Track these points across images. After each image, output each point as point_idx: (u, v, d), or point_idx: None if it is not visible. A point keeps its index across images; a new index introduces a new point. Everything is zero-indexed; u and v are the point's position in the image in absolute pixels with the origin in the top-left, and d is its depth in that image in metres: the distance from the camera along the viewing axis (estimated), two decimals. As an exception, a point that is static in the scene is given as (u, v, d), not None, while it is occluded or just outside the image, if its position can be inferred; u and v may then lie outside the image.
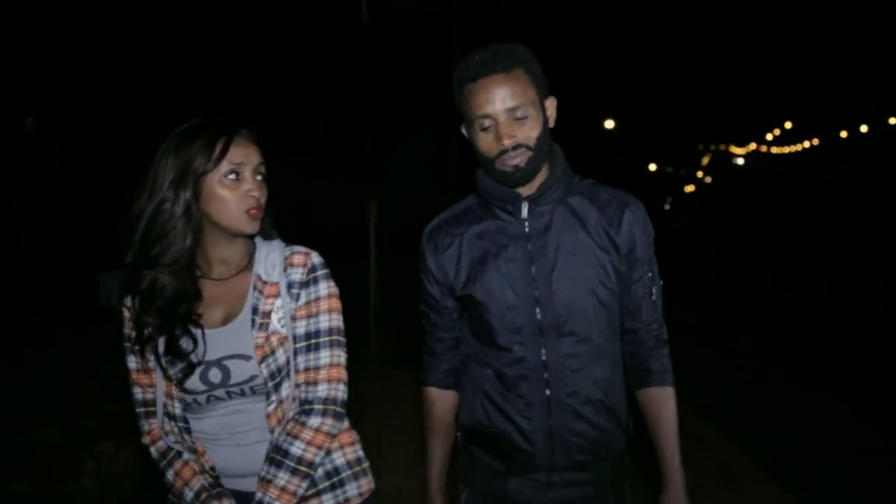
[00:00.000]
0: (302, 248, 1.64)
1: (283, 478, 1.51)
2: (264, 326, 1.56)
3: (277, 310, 1.57)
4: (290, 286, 1.59)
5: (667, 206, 41.82)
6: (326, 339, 1.59)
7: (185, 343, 1.53)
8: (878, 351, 7.10)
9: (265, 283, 1.59)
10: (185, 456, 1.58)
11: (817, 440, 4.76)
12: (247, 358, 1.54)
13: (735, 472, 4.29)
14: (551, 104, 1.69)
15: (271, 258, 1.61)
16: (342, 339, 1.62)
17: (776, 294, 11.23)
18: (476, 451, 1.80)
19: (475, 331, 1.76)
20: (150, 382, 1.59)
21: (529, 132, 1.61)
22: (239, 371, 1.54)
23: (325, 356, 1.58)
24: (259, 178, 1.56)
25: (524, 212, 1.68)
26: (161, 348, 1.54)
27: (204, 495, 1.53)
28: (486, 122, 1.61)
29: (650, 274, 1.72)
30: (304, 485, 1.53)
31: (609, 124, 31.37)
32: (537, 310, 1.66)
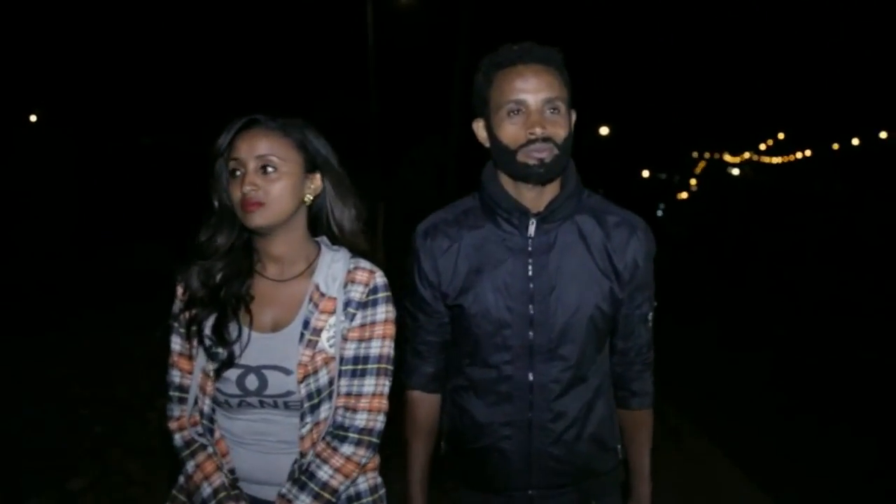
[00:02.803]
0: (367, 265, 1.56)
1: (303, 500, 1.46)
2: (312, 343, 1.49)
3: (329, 328, 1.50)
4: (347, 304, 1.52)
5: (659, 213, 42.11)
6: (375, 366, 1.52)
7: (231, 329, 1.49)
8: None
9: (323, 295, 1.52)
10: (210, 450, 1.53)
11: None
12: (287, 372, 1.47)
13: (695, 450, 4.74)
14: (573, 116, 1.61)
15: (334, 269, 1.54)
16: (390, 367, 1.55)
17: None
18: (459, 464, 1.74)
19: (461, 344, 1.66)
20: (190, 369, 1.55)
21: (559, 130, 1.52)
22: (277, 383, 1.48)
23: (369, 384, 1.51)
24: (270, 169, 1.48)
25: (531, 230, 1.59)
26: (207, 330, 1.51)
27: (222, 494, 1.48)
28: (517, 108, 1.51)
29: (648, 299, 1.67)
30: None
31: (604, 131, 31.94)
32: (530, 331, 1.58)
